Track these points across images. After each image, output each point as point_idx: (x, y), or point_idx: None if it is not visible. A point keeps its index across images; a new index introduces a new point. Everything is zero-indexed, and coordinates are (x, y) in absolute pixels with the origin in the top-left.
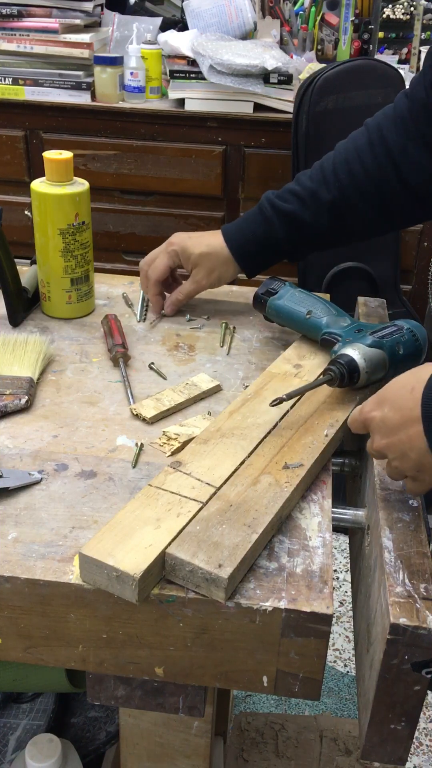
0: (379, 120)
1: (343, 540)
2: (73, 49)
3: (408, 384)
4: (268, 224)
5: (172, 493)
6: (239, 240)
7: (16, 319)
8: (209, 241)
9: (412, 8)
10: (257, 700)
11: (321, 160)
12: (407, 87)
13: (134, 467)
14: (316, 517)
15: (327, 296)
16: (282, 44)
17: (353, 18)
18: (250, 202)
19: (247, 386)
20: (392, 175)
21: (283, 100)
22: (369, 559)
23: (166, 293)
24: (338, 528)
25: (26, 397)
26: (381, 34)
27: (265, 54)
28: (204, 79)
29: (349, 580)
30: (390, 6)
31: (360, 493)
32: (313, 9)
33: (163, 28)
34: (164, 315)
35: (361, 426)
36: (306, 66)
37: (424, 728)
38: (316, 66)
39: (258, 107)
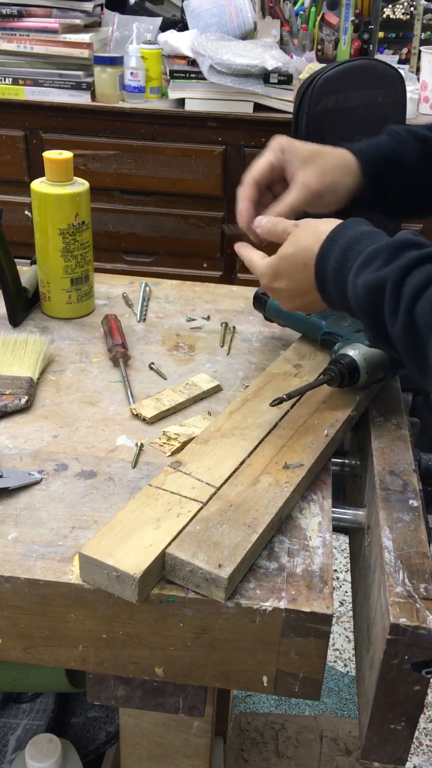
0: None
1: (343, 540)
2: (73, 49)
3: (300, 260)
4: (400, 141)
5: (172, 493)
6: (366, 147)
7: (16, 319)
8: (324, 147)
9: (412, 8)
10: (257, 700)
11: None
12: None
13: (134, 467)
14: (316, 517)
15: None
16: (282, 44)
17: (353, 18)
18: None
19: (247, 386)
20: None
21: (283, 100)
22: (369, 559)
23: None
24: (338, 528)
25: (26, 397)
26: (381, 34)
27: (265, 54)
28: (204, 79)
29: (349, 580)
30: (390, 6)
31: (360, 493)
32: (313, 9)
33: (163, 28)
34: (245, 233)
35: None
36: (306, 66)
37: (424, 728)
38: (316, 66)
39: (258, 107)
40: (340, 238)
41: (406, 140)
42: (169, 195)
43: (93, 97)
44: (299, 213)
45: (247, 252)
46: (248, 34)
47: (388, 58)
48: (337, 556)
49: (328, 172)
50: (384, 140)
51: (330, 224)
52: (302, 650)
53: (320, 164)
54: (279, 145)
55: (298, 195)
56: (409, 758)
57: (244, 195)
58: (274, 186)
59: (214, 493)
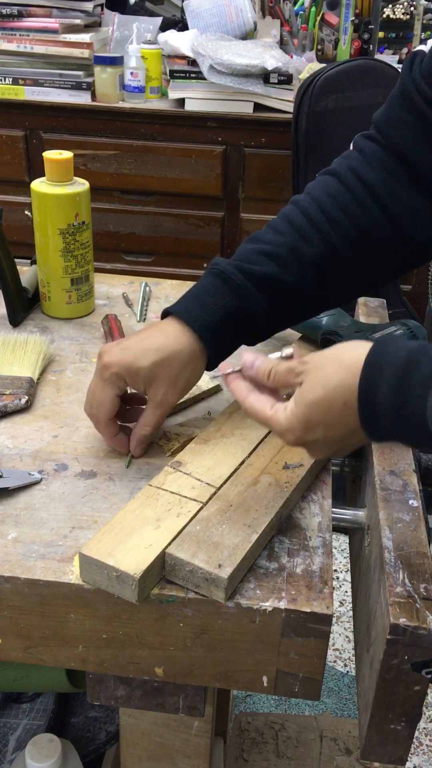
0: (344, 164)
1: (343, 540)
2: (73, 49)
3: (336, 401)
4: (242, 294)
5: (172, 493)
6: (206, 322)
7: (16, 319)
8: (157, 342)
9: (412, 8)
10: (257, 700)
11: (279, 215)
12: (359, 135)
13: (127, 467)
14: (316, 517)
15: None
16: (282, 44)
17: (353, 18)
18: (250, 202)
19: None
20: (385, 223)
21: (283, 100)
22: (369, 559)
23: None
24: (338, 528)
25: (26, 397)
26: (381, 34)
27: (265, 54)
28: (204, 79)
29: (349, 580)
30: (390, 6)
31: (360, 493)
32: (313, 9)
33: (163, 28)
34: (134, 457)
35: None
36: (306, 66)
37: (424, 728)
38: (316, 66)
39: (258, 107)
40: (384, 363)
41: (245, 289)
42: (169, 195)
43: (93, 97)
44: (160, 425)
45: (253, 402)
46: (248, 34)
47: (388, 58)
48: (337, 556)
49: (178, 378)
50: (219, 297)
51: (353, 351)
52: (302, 650)
53: (167, 376)
54: (113, 372)
55: (158, 414)
56: (409, 758)
57: (108, 435)
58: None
59: (214, 493)
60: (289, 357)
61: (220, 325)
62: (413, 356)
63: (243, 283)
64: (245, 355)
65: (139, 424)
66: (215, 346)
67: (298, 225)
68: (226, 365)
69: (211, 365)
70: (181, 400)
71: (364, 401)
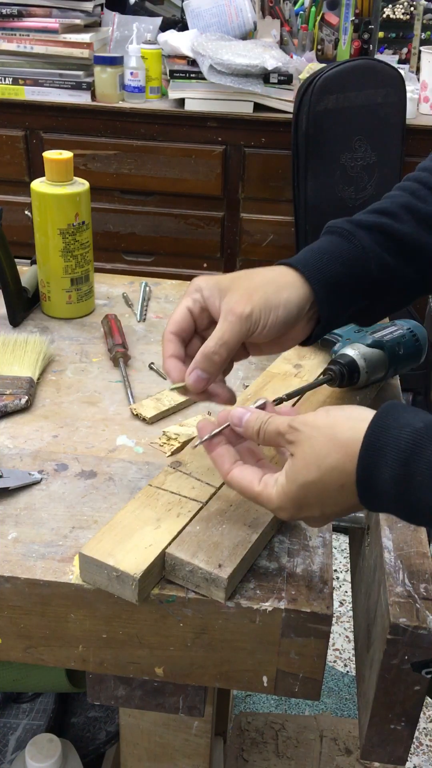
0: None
1: (343, 540)
2: (73, 49)
3: (332, 483)
4: (351, 241)
5: (172, 493)
6: (311, 260)
7: (16, 319)
8: (254, 269)
9: (412, 8)
10: (257, 700)
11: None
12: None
13: (170, 390)
14: None
15: None
16: (282, 44)
17: (353, 18)
18: (250, 202)
19: (247, 386)
20: None
21: (283, 100)
22: (369, 559)
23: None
24: (338, 528)
25: (26, 397)
26: (381, 34)
27: (265, 54)
28: (204, 79)
29: (349, 580)
30: (390, 6)
31: None
32: (313, 9)
33: (163, 28)
34: (186, 390)
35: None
36: (306, 66)
37: (424, 728)
38: (316, 66)
39: (258, 107)
40: (386, 445)
41: (355, 236)
42: (169, 195)
43: (93, 97)
44: (235, 348)
45: (238, 477)
46: (248, 34)
47: (388, 58)
48: (337, 556)
49: (255, 290)
50: (327, 243)
51: (349, 428)
52: (302, 650)
53: (244, 285)
54: (195, 286)
55: (226, 325)
56: (409, 758)
57: (167, 352)
58: (204, 333)
59: (214, 493)
60: (262, 406)
61: (326, 264)
62: (418, 440)
63: (352, 230)
64: (234, 411)
65: (207, 341)
66: (317, 280)
67: (411, 188)
68: (207, 426)
69: (322, 315)
70: (181, 401)
71: (364, 485)
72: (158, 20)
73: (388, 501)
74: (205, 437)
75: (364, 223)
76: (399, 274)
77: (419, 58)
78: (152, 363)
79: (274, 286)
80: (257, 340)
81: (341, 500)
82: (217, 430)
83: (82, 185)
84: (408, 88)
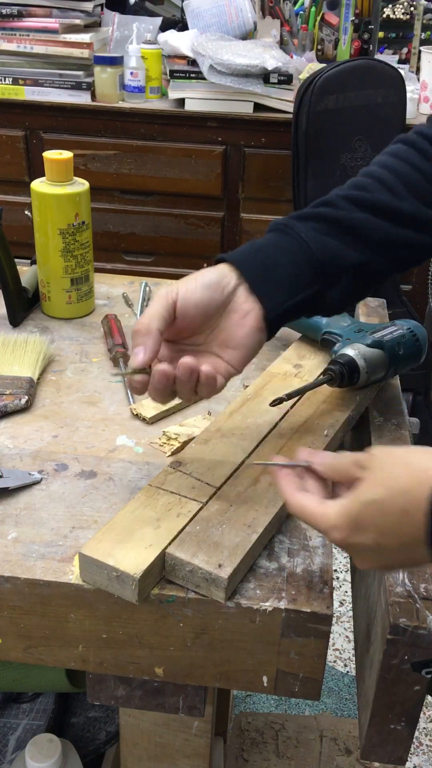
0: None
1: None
2: (73, 49)
3: (395, 506)
4: (287, 232)
5: (172, 493)
6: (241, 251)
7: (16, 319)
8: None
9: (412, 8)
10: (257, 700)
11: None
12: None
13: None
14: None
15: None
16: (282, 44)
17: (353, 18)
18: (250, 202)
19: (247, 386)
20: None
21: (283, 100)
22: None
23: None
24: None
25: (26, 397)
26: (381, 34)
27: (265, 54)
28: (204, 79)
29: (349, 580)
30: (390, 6)
31: None
32: (313, 9)
33: (163, 28)
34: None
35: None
36: (306, 66)
37: (424, 728)
38: (316, 66)
39: (258, 107)
40: None
41: (290, 225)
42: (169, 195)
43: (93, 97)
44: (166, 317)
45: (301, 499)
46: (248, 34)
47: (388, 58)
48: (337, 556)
49: (191, 279)
50: (264, 238)
51: (424, 454)
52: (302, 650)
53: (188, 279)
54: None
55: (156, 304)
56: (409, 758)
57: (135, 339)
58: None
59: (214, 493)
60: (306, 465)
61: (260, 253)
62: None
63: (289, 222)
64: (303, 452)
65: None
66: (250, 267)
67: (362, 183)
68: (279, 458)
69: (261, 299)
70: (181, 400)
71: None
72: (158, 20)
73: None
74: (279, 463)
75: (302, 215)
76: (350, 256)
77: (419, 58)
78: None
79: (211, 276)
80: (189, 312)
81: (400, 531)
82: (292, 464)
83: (82, 185)
84: (408, 88)
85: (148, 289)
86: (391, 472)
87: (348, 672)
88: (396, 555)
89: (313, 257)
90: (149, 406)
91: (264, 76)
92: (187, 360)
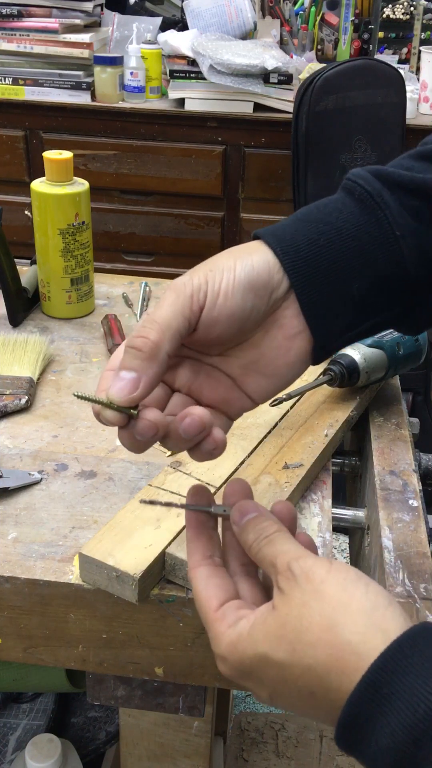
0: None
1: (343, 540)
2: (73, 49)
3: (304, 683)
4: (374, 212)
5: (172, 493)
6: (291, 230)
7: (16, 319)
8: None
9: (412, 8)
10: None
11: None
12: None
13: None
14: (316, 517)
15: None
16: (282, 44)
17: (353, 18)
18: (250, 202)
19: None
20: None
21: (283, 100)
22: (369, 559)
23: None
24: (338, 528)
25: (26, 397)
26: (381, 34)
27: (265, 54)
28: (204, 79)
29: None
30: (390, 6)
31: (360, 493)
32: (313, 9)
33: (163, 28)
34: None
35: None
36: (306, 66)
37: None
38: (316, 66)
39: (258, 107)
40: (413, 683)
41: (380, 203)
42: (169, 195)
43: (93, 97)
44: (176, 331)
45: (202, 584)
46: (248, 34)
47: (388, 58)
48: (337, 556)
49: (212, 266)
50: (333, 205)
51: (361, 620)
52: None
53: (204, 265)
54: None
55: (161, 301)
56: None
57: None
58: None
59: (214, 493)
60: (223, 515)
61: (315, 244)
62: None
63: (379, 191)
64: (243, 504)
65: None
66: (304, 270)
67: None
68: (203, 496)
69: (306, 309)
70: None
71: (351, 725)
72: (158, 20)
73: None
74: (186, 505)
75: (389, 176)
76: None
77: (419, 58)
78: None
79: (227, 254)
80: (218, 325)
81: (303, 706)
82: (220, 511)
83: (82, 185)
84: (408, 88)
85: (148, 289)
86: (307, 630)
87: None
88: (290, 709)
89: (404, 267)
90: None
91: (264, 76)
92: (197, 413)
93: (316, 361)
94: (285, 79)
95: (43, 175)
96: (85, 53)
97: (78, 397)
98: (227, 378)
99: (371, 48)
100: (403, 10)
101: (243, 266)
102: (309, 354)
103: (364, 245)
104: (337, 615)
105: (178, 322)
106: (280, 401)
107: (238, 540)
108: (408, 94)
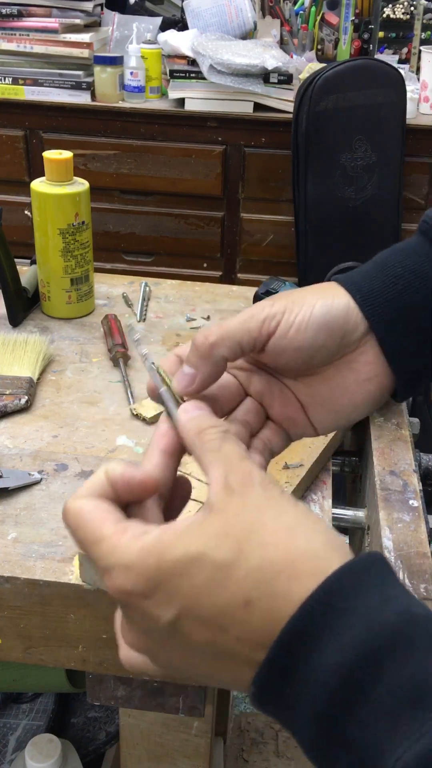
0: None
1: (343, 540)
2: (73, 49)
3: (240, 593)
4: None
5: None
6: (371, 282)
7: (16, 319)
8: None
9: (412, 8)
10: None
11: None
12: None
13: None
14: None
15: None
16: (282, 44)
17: (353, 18)
18: (250, 202)
19: None
20: None
21: (283, 100)
22: None
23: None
24: (338, 528)
25: (26, 397)
26: (381, 34)
27: (265, 54)
28: (204, 78)
29: None
30: (390, 6)
31: (360, 493)
32: (313, 9)
33: (163, 27)
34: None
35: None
36: (306, 66)
37: None
38: (316, 66)
39: (258, 107)
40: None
41: None
42: (169, 195)
43: (93, 97)
44: (242, 347)
45: (84, 500)
46: (248, 34)
47: (388, 57)
48: None
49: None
50: (412, 249)
51: (328, 538)
52: None
53: (273, 301)
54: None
55: (233, 318)
56: None
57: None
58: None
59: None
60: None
61: (394, 288)
62: (405, 629)
63: None
64: (190, 402)
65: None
66: (383, 313)
67: None
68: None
69: (387, 350)
70: None
71: (286, 647)
72: (158, 20)
73: (303, 699)
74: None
75: None
76: None
77: (419, 58)
78: (152, 363)
79: (312, 290)
80: (285, 355)
81: (217, 627)
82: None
83: (82, 185)
84: (408, 88)
85: (148, 289)
86: (259, 530)
87: None
88: (189, 654)
89: None
90: (149, 406)
91: (264, 75)
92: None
93: (400, 399)
94: (285, 79)
95: (43, 175)
96: (85, 53)
97: (155, 368)
98: (297, 401)
99: (371, 48)
100: (403, 10)
101: (322, 305)
102: (377, 400)
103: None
104: (296, 523)
105: (241, 335)
106: None
107: (183, 436)
108: (408, 94)
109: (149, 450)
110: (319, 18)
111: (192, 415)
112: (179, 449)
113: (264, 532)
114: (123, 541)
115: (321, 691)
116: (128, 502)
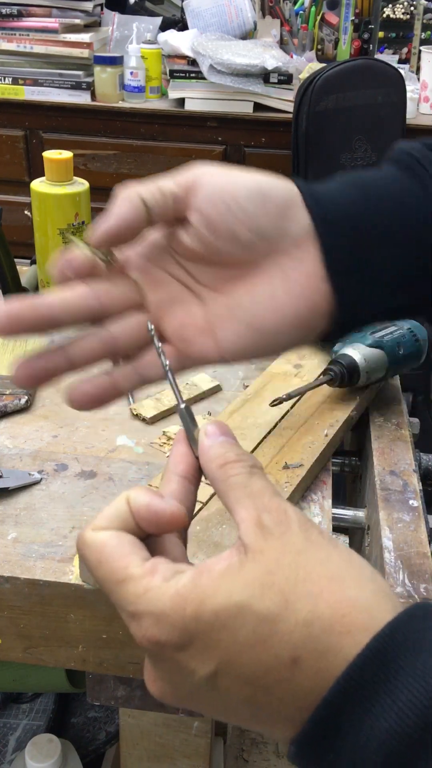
0: None
1: (343, 540)
2: (73, 49)
3: (288, 649)
4: (422, 181)
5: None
6: (331, 190)
7: None
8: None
9: (412, 8)
10: None
11: None
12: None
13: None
14: (316, 517)
15: None
16: (282, 44)
17: (353, 18)
18: None
19: (247, 386)
20: None
21: (283, 100)
22: (369, 559)
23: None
24: (338, 528)
25: (26, 397)
26: (381, 34)
27: (265, 54)
28: (204, 78)
29: None
30: (390, 6)
31: (360, 493)
32: (313, 9)
33: (163, 27)
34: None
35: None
36: (306, 66)
37: None
38: (316, 66)
39: (258, 107)
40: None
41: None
42: None
43: (93, 96)
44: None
45: (105, 534)
46: (248, 34)
47: (388, 57)
48: None
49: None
50: (380, 173)
51: (377, 587)
52: None
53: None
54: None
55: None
56: None
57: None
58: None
59: (215, 493)
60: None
61: (363, 203)
62: None
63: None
64: (213, 425)
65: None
66: (336, 228)
67: None
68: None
69: (331, 265)
70: None
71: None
72: (158, 20)
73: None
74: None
75: None
76: None
77: (419, 58)
78: None
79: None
80: (217, 216)
81: (259, 685)
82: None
83: (82, 185)
84: (408, 88)
85: None
86: (305, 579)
87: None
88: (224, 708)
89: None
90: (149, 406)
91: (264, 75)
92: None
93: (329, 336)
94: (285, 79)
95: (43, 175)
96: (85, 53)
97: (65, 234)
98: (202, 318)
99: (371, 48)
100: (403, 10)
101: (262, 176)
102: (304, 327)
103: (406, 208)
104: (342, 570)
105: (163, 181)
106: (280, 401)
107: (204, 460)
108: (408, 94)
109: (167, 475)
110: (319, 18)
111: (214, 441)
112: (198, 474)
113: (310, 582)
114: (154, 585)
115: (372, 756)
116: (149, 535)
